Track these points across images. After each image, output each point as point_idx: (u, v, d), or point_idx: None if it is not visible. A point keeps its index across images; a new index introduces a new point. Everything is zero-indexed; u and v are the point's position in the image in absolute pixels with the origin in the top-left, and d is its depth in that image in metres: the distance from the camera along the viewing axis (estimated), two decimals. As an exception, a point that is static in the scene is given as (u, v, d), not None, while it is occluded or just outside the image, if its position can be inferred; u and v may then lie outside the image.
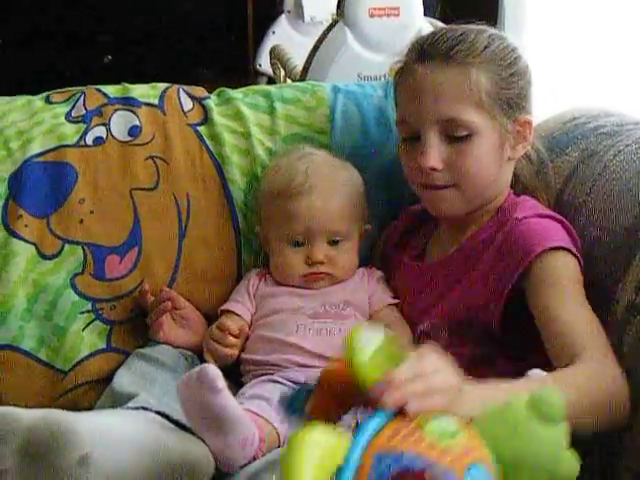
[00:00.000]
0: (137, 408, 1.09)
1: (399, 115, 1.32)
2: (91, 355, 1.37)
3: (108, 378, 1.33)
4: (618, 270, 1.18)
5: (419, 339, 1.29)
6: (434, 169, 1.25)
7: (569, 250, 1.20)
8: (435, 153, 1.25)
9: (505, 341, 1.21)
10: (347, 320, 1.32)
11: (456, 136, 1.25)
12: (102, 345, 1.38)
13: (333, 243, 1.35)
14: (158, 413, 1.08)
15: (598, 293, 1.19)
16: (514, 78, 1.28)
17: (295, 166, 1.37)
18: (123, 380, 1.28)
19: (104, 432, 1.00)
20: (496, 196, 1.30)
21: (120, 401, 1.20)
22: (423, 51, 1.28)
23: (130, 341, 1.39)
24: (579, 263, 1.20)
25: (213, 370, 1.02)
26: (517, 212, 1.26)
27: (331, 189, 1.36)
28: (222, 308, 1.38)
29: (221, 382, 1.02)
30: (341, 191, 1.37)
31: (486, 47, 1.27)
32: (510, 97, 1.27)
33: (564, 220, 1.25)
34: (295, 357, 1.28)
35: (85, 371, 1.37)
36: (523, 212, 1.26)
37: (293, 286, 1.37)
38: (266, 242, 1.41)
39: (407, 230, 1.45)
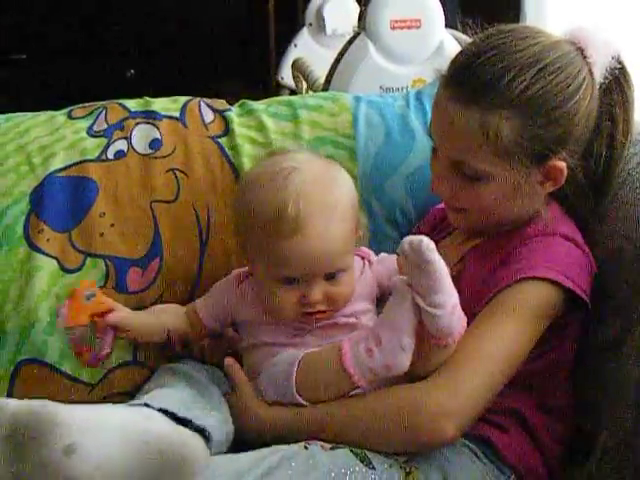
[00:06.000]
0: (140, 405, 1.09)
1: (429, 123, 1.27)
2: (119, 367, 1.37)
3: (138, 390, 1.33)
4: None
5: None
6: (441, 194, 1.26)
7: (553, 282, 1.16)
8: (441, 185, 1.24)
9: None
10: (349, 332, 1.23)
11: (465, 173, 1.21)
12: (129, 358, 1.38)
13: (330, 277, 1.21)
14: (160, 410, 1.07)
15: (620, 302, 1.19)
16: (553, 123, 1.16)
17: (282, 195, 1.18)
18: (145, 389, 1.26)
19: (91, 421, 1.00)
20: (517, 221, 1.25)
21: None
22: (453, 79, 1.19)
23: (154, 356, 1.38)
24: (568, 293, 1.17)
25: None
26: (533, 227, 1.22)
27: (327, 219, 1.18)
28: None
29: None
30: (337, 218, 1.20)
31: (526, 89, 1.15)
32: (540, 146, 1.17)
33: (585, 249, 1.22)
34: None
35: (114, 383, 1.36)
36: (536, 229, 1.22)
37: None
38: (252, 268, 1.29)
39: (432, 228, 1.42)
